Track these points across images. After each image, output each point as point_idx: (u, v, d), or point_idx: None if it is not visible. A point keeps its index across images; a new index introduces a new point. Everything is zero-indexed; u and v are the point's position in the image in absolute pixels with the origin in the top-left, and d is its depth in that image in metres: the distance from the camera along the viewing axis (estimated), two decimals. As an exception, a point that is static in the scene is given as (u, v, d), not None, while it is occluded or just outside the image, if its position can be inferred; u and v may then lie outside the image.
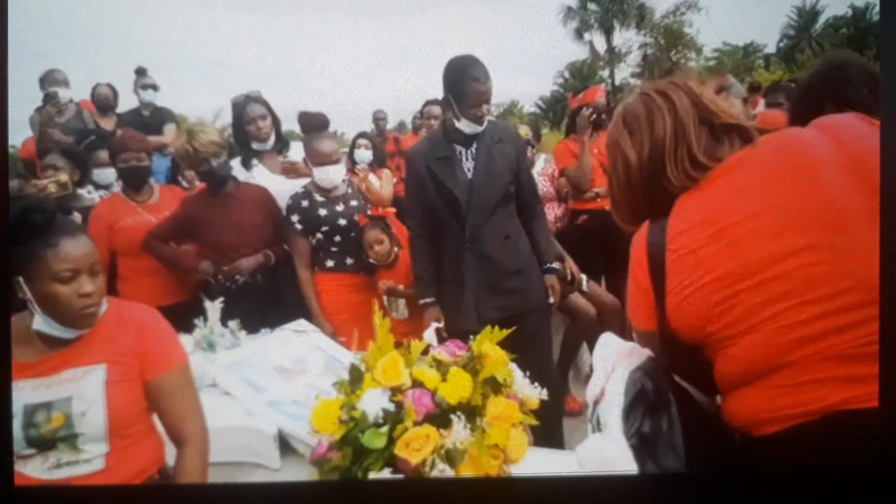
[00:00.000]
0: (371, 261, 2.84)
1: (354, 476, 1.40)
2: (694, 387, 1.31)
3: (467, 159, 2.53)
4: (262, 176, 3.12)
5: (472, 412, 1.44)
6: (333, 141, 2.94)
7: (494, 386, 1.49)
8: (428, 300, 2.56)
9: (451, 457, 1.39)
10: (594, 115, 3.63)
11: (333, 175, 2.87)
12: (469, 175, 2.50)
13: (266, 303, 2.83)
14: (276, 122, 3.27)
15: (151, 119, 4.77)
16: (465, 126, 2.49)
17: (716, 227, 1.17)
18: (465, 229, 2.49)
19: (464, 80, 2.44)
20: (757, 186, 1.17)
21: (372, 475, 1.38)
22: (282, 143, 3.32)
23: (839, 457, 1.10)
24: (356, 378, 1.54)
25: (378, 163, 4.15)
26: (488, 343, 1.52)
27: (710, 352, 1.22)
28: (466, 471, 1.40)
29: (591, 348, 3.61)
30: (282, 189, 3.02)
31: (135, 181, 3.02)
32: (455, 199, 2.48)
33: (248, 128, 3.13)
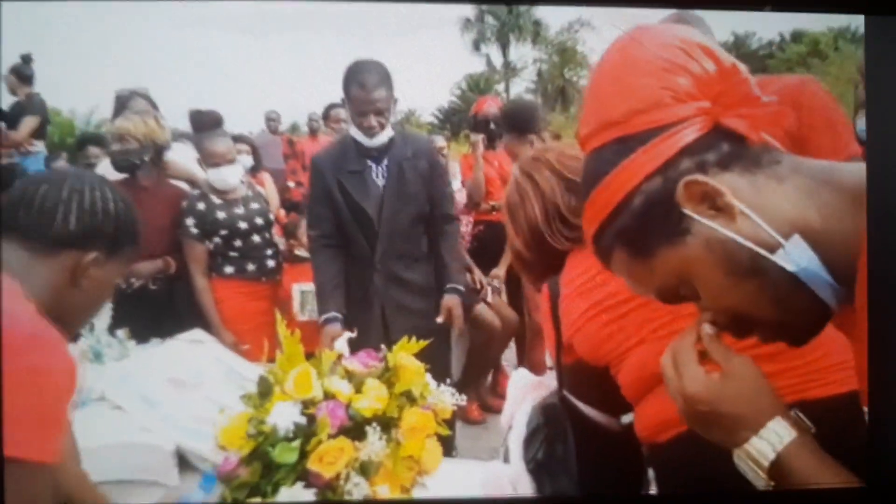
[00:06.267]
0: (296, 252, 2.83)
1: (264, 492, 1.34)
2: (601, 411, 1.44)
3: (378, 176, 2.38)
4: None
5: (387, 424, 1.42)
6: (227, 140, 2.81)
7: (410, 397, 1.47)
8: (330, 315, 2.36)
9: (365, 469, 1.36)
10: (477, 128, 3.63)
11: (228, 176, 2.73)
12: (381, 194, 2.36)
13: (158, 311, 2.67)
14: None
15: (12, 112, 4.16)
16: (356, 135, 2.34)
17: (598, 269, 1.28)
18: (376, 250, 2.37)
19: (349, 85, 2.29)
20: None
21: (283, 490, 1.33)
22: None
23: (723, 463, 1.17)
24: (265, 391, 1.48)
25: (257, 168, 3.90)
26: (404, 353, 1.50)
27: (614, 371, 1.32)
28: (381, 483, 1.38)
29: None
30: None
31: None
32: (367, 218, 2.35)
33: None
